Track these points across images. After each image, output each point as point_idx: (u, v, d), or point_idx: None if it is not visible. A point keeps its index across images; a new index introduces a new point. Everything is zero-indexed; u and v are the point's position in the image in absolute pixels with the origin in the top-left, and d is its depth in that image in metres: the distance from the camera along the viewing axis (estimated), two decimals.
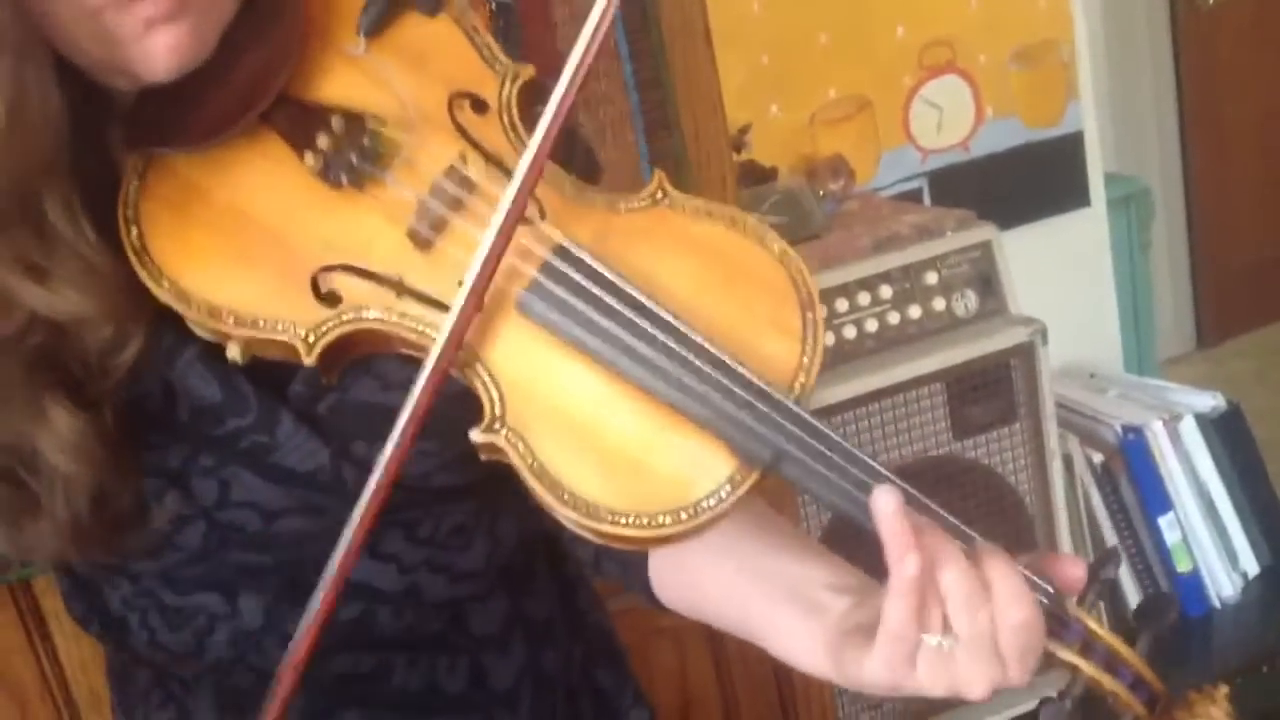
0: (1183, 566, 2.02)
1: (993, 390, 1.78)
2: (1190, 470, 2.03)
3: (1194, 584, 2.03)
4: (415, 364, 0.63)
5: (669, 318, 0.63)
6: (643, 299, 0.63)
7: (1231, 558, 2.06)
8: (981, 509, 1.80)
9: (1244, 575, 2.06)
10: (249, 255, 0.66)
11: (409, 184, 0.66)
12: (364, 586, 0.78)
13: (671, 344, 0.62)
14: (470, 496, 0.81)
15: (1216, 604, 2.03)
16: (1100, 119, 2.38)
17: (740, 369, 0.62)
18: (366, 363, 0.67)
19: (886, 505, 0.59)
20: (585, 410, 0.62)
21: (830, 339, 1.73)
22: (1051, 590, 0.63)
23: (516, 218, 0.63)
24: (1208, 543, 2.03)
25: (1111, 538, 2.02)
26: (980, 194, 2.15)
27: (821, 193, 1.94)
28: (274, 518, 0.73)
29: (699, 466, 0.61)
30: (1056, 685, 0.65)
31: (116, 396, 0.68)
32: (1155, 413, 2.03)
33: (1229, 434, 2.06)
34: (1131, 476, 2.01)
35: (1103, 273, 2.40)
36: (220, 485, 0.72)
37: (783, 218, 1.84)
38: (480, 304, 0.63)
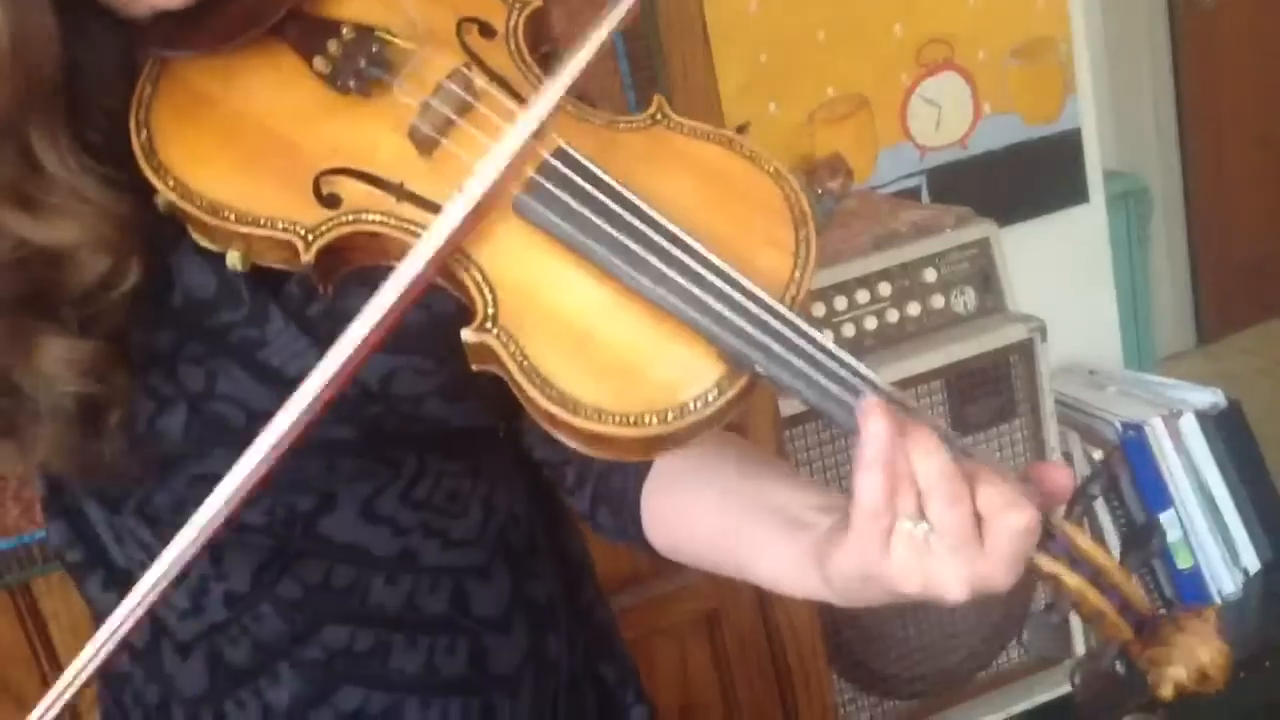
0: (1183, 563, 2.02)
1: (992, 388, 1.78)
2: (1190, 467, 2.03)
3: (1194, 580, 2.03)
4: None
5: (663, 220, 0.64)
6: (638, 202, 0.64)
7: (1232, 554, 2.06)
8: None
9: (1244, 571, 2.06)
10: (253, 157, 0.68)
11: (415, 91, 0.67)
12: (356, 549, 0.79)
13: (665, 245, 0.63)
14: (465, 456, 0.82)
15: (1217, 600, 2.03)
16: (1099, 115, 2.37)
17: (731, 272, 0.62)
18: (361, 273, 0.67)
19: (871, 404, 0.59)
20: (577, 312, 0.63)
21: (830, 337, 1.73)
22: (1038, 498, 0.62)
23: (531, 132, 0.64)
24: (1208, 539, 2.03)
25: (1112, 535, 2.02)
26: (979, 191, 2.15)
27: (820, 191, 1.93)
28: (256, 417, 0.72)
29: (688, 369, 0.62)
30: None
31: (106, 321, 0.69)
32: (1155, 409, 2.04)
33: (1229, 430, 2.06)
34: (1131, 473, 2.01)
35: (1102, 269, 2.39)
36: (207, 375, 0.73)
37: None
38: (477, 210, 0.63)
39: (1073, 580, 0.62)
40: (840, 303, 1.74)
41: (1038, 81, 2.25)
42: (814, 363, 0.62)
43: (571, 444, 0.64)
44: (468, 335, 0.63)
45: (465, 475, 0.82)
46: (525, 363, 0.62)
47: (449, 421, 0.79)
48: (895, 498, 0.60)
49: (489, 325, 0.63)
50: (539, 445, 0.85)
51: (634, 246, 0.63)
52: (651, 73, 1.43)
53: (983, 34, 2.19)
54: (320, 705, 0.81)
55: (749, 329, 0.62)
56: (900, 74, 2.16)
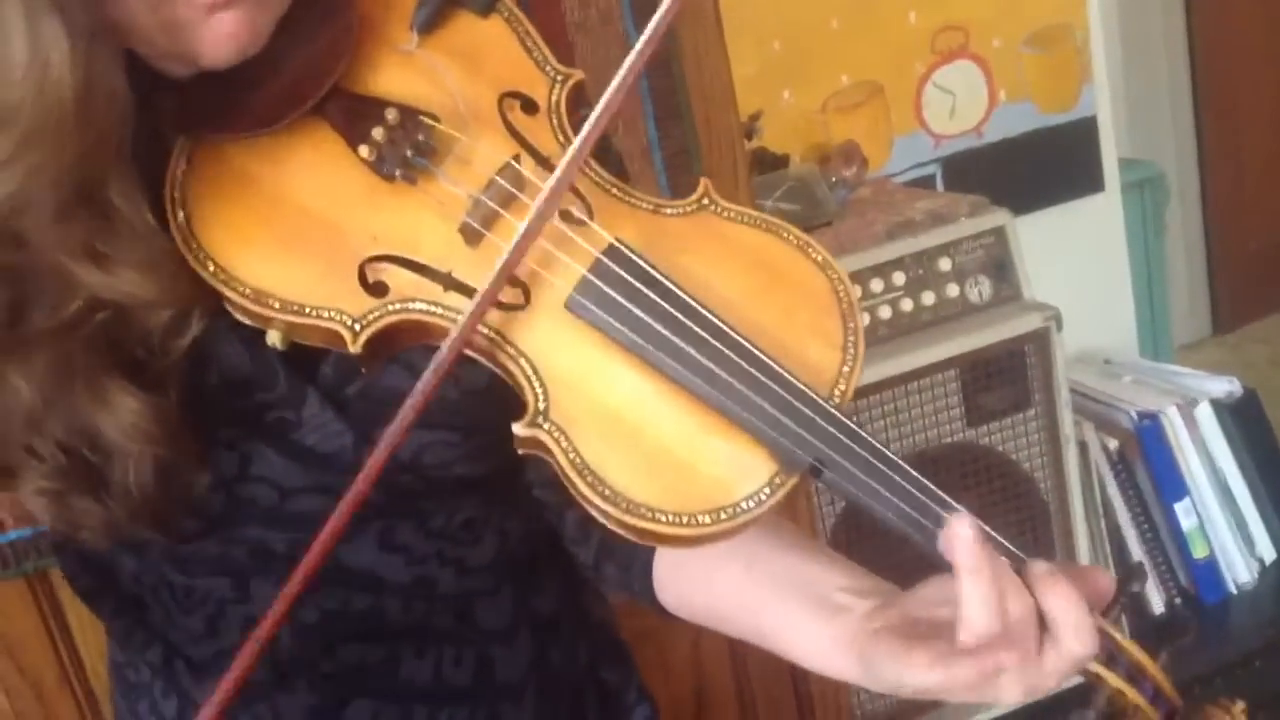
0: (1199, 553, 2.01)
1: (1007, 377, 1.77)
2: (1206, 456, 2.02)
3: (1210, 570, 2.02)
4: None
5: (715, 319, 0.63)
6: (690, 300, 0.63)
7: (1248, 543, 2.05)
8: (996, 496, 1.80)
9: (1260, 561, 2.06)
10: (297, 242, 0.66)
11: (461, 180, 0.66)
12: (373, 578, 0.79)
13: (717, 345, 0.62)
14: (482, 490, 0.82)
15: (1233, 590, 2.03)
16: (1114, 103, 2.36)
17: (783, 372, 0.62)
18: (397, 352, 0.67)
19: (965, 533, 0.59)
20: (629, 409, 0.63)
21: (865, 320, 1.72)
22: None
23: (555, 203, 0.63)
24: (1224, 529, 2.02)
25: (1127, 524, 2.02)
26: (994, 179, 2.14)
27: (834, 179, 1.93)
28: (290, 496, 0.74)
29: (740, 468, 0.62)
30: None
31: (177, 376, 0.68)
32: (1170, 398, 2.03)
33: (1245, 419, 2.05)
34: (1147, 463, 2.00)
35: (1117, 258, 2.38)
36: (241, 459, 0.73)
37: (795, 205, 1.84)
38: (517, 289, 0.64)
39: (1114, 680, 0.65)
40: (854, 292, 1.73)
41: (1053, 69, 2.23)
42: (867, 467, 0.61)
43: (619, 534, 0.63)
44: (519, 430, 0.62)
45: (481, 507, 0.82)
46: (577, 459, 0.62)
47: (473, 476, 0.79)
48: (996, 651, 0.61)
49: (540, 420, 0.62)
50: (540, 487, 0.85)
51: (683, 345, 0.62)
52: (665, 61, 1.43)
53: (998, 21, 2.18)
54: (332, 717, 0.81)
55: (798, 429, 0.61)
56: (915, 62, 2.15)
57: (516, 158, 0.67)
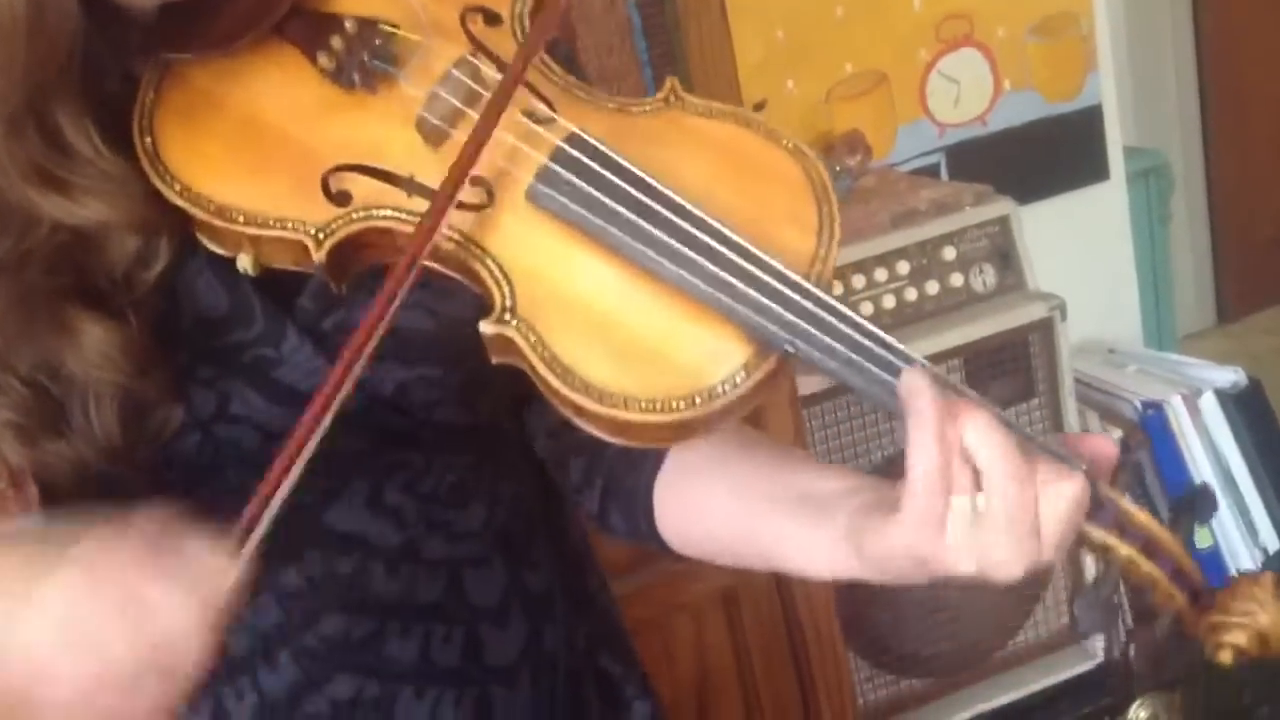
0: (1202, 542, 2.01)
1: (1011, 366, 1.77)
2: (1210, 446, 2.02)
3: (1214, 560, 2.02)
4: (425, 283, 0.64)
5: (681, 201, 0.62)
6: (655, 183, 0.63)
7: (1252, 533, 2.05)
8: None
9: (1264, 550, 2.06)
10: (260, 157, 0.67)
11: (421, 82, 0.66)
12: (359, 540, 0.78)
13: (685, 226, 0.62)
14: (470, 449, 0.81)
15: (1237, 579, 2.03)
16: (1120, 92, 2.35)
17: (756, 251, 0.61)
18: (374, 284, 0.67)
19: (916, 380, 0.58)
20: (597, 298, 0.62)
21: (869, 309, 1.72)
22: (1084, 467, 0.61)
23: (511, 92, 0.63)
24: (1228, 518, 2.02)
25: None
26: (998, 168, 2.13)
27: (838, 168, 1.92)
28: (271, 438, 0.73)
29: (714, 352, 0.61)
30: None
31: (145, 308, 0.68)
32: (1175, 388, 2.02)
33: (1249, 409, 2.05)
34: (1151, 452, 2.00)
35: (1122, 247, 2.38)
36: (219, 398, 0.73)
37: None
38: (480, 187, 0.63)
39: (1124, 549, 0.62)
40: (858, 281, 1.73)
41: (1058, 58, 2.23)
42: (846, 340, 0.61)
43: (597, 433, 0.62)
44: (486, 327, 0.62)
45: (470, 468, 0.82)
46: (546, 352, 0.61)
47: (457, 422, 0.79)
48: (950, 474, 0.58)
49: (507, 316, 0.62)
50: (543, 440, 0.85)
51: (651, 229, 0.62)
52: (669, 49, 1.42)
53: (1002, 10, 2.17)
54: (315, 693, 0.80)
55: (775, 307, 0.60)
56: (919, 50, 2.15)
57: (473, 54, 0.67)
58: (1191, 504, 0.67)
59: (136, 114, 0.67)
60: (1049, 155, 2.24)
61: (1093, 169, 2.29)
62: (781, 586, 1.58)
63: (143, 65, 0.69)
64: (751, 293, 0.61)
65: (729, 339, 0.61)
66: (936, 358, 1.73)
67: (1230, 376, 2.06)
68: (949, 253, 1.77)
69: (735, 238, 0.62)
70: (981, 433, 0.59)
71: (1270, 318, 3.35)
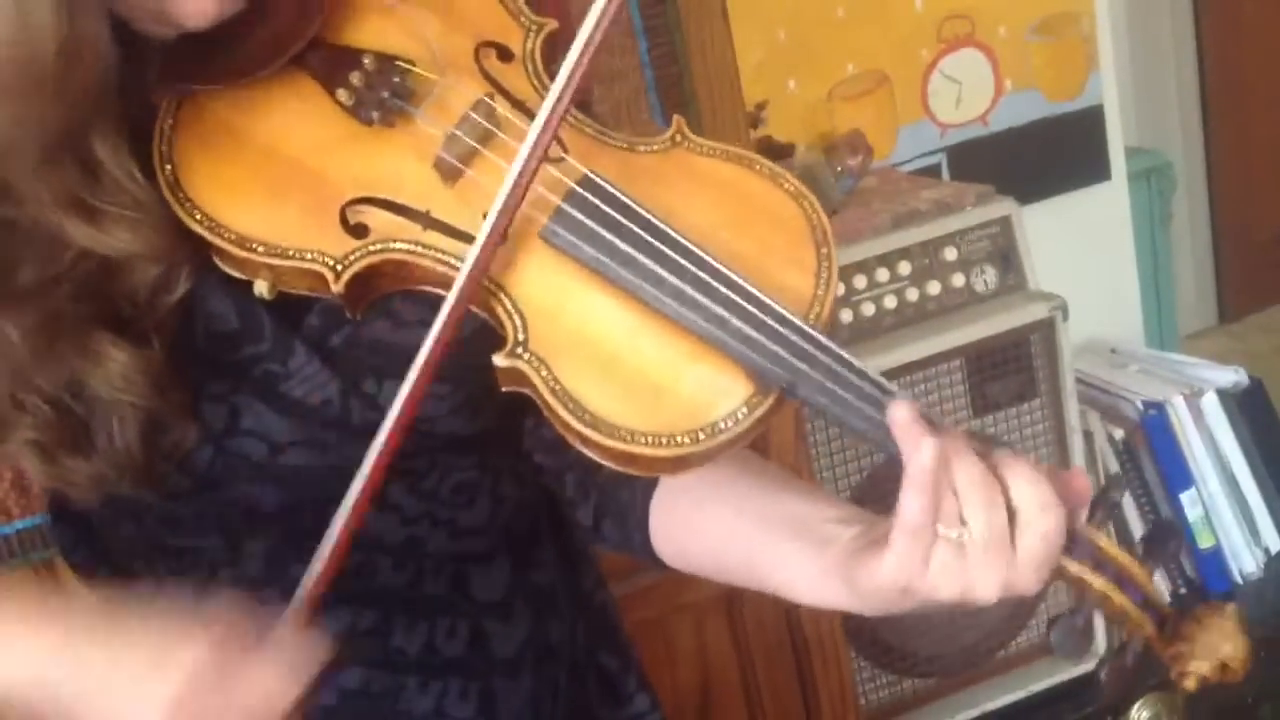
0: (1204, 543, 2.01)
1: (1013, 366, 1.77)
2: (1212, 446, 2.02)
3: (1216, 560, 2.02)
4: (432, 300, 0.65)
5: (688, 244, 0.64)
6: (663, 226, 0.65)
7: (1254, 533, 2.05)
8: None
9: (1266, 551, 2.05)
10: (279, 188, 0.68)
11: (439, 120, 0.68)
12: (365, 535, 0.79)
13: (691, 268, 0.64)
14: (475, 451, 0.82)
15: (1239, 580, 2.03)
16: (1121, 92, 2.35)
17: (758, 293, 0.63)
18: (382, 302, 0.69)
19: (902, 412, 0.61)
20: (606, 335, 0.64)
21: (849, 315, 1.72)
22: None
23: (544, 149, 0.65)
24: (1229, 519, 2.02)
25: (1133, 514, 2.01)
26: (1000, 169, 2.13)
27: (839, 169, 1.92)
28: (280, 450, 0.75)
29: (717, 389, 0.63)
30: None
31: (165, 330, 0.70)
32: (1176, 388, 2.02)
33: (1251, 409, 2.05)
34: (1152, 452, 1.99)
35: (1124, 247, 2.38)
36: (229, 412, 0.74)
37: None
38: (505, 234, 0.65)
39: (1097, 582, 0.64)
40: (860, 281, 1.73)
41: (1059, 58, 2.23)
42: (840, 380, 0.63)
43: (602, 462, 0.64)
44: (499, 360, 0.64)
45: (474, 469, 0.83)
46: (557, 386, 0.63)
47: (461, 433, 0.80)
48: (939, 510, 0.61)
49: (520, 351, 0.64)
50: (540, 452, 0.85)
51: (659, 270, 0.64)
52: (670, 49, 1.42)
53: (1004, 10, 2.17)
54: (323, 685, 0.81)
55: (774, 348, 0.62)
56: (920, 50, 2.14)
57: (490, 95, 0.69)
58: (1163, 538, 0.70)
59: (156, 142, 0.68)
60: (1050, 155, 2.24)
61: (1094, 169, 2.29)
62: None
63: (162, 94, 0.69)
64: (752, 333, 0.63)
65: (731, 377, 0.63)
66: (938, 358, 1.73)
67: (1232, 376, 2.06)
68: (950, 253, 1.77)
69: (739, 280, 0.64)
70: (959, 462, 0.61)
71: (1271, 317, 3.35)
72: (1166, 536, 0.69)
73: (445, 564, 0.83)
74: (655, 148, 0.69)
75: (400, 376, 0.65)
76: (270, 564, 0.79)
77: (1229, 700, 1.90)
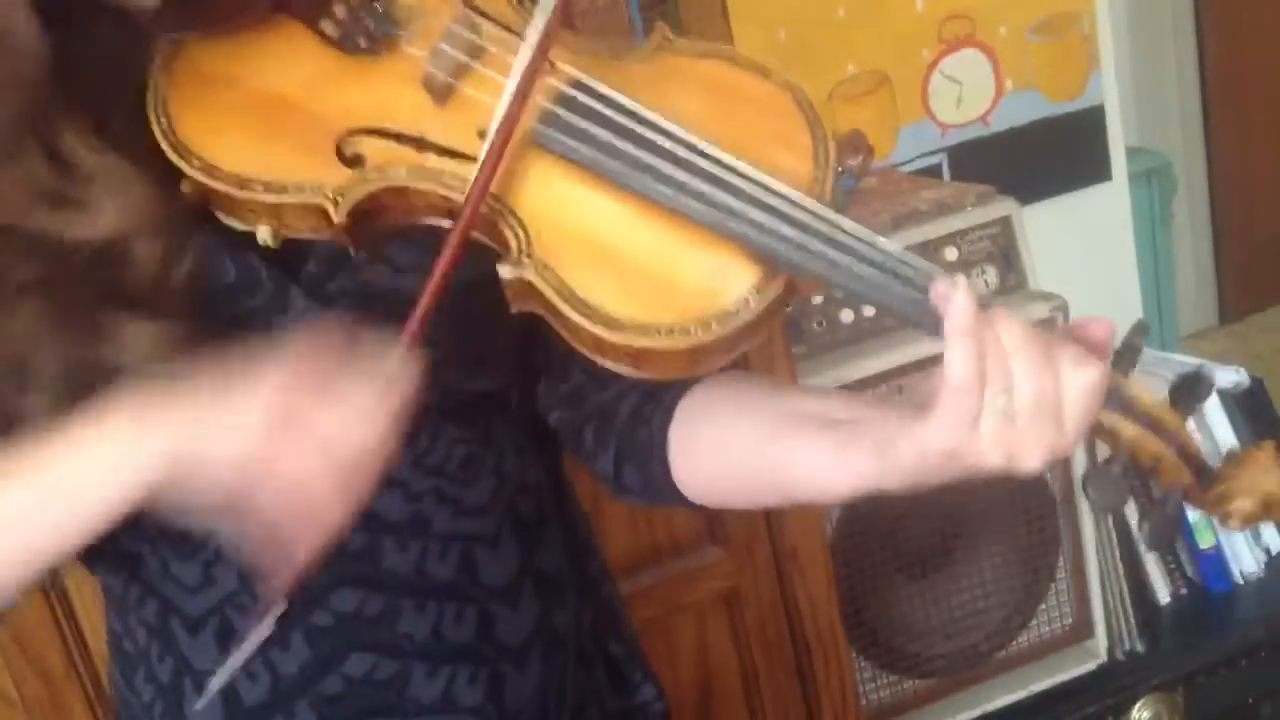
0: (1205, 543, 2.01)
1: None
2: (1213, 446, 2.01)
3: (1217, 560, 2.02)
4: (428, 245, 0.65)
5: (679, 132, 0.65)
6: (654, 118, 0.65)
7: (1254, 533, 2.04)
8: (1001, 486, 1.80)
9: (1266, 551, 2.05)
10: (273, 128, 0.68)
11: (424, 42, 0.68)
12: (369, 514, 0.79)
13: (687, 156, 0.64)
14: (477, 422, 0.82)
15: (1240, 580, 2.02)
16: (1122, 92, 2.35)
17: (754, 173, 0.63)
18: (379, 247, 0.69)
19: (949, 288, 0.62)
20: (609, 234, 0.64)
21: (849, 316, 1.72)
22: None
23: (544, 55, 0.65)
24: None
25: (1134, 515, 2.01)
26: (1000, 169, 2.13)
27: (840, 169, 1.92)
28: None
29: (724, 276, 0.63)
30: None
31: (188, 301, 0.70)
32: None
33: (1252, 409, 2.05)
34: None
35: (1124, 247, 2.38)
36: None
37: None
38: (504, 147, 0.64)
39: (1130, 430, 0.64)
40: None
41: (1060, 58, 2.22)
42: (851, 251, 0.63)
43: (619, 367, 0.64)
44: (505, 272, 0.64)
45: (477, 442, 0.83)
46: (565, 290, 0.63)
47: (463, 386, 0.80)
48: (985, 372, 0.61)
49: (524, 259, 0.64)
50: (558, 411, 0.86)
51: (653, 160, 0.64)
52: None
53: (1004, 10, 2.17)
54: (329, 672, 0.81)
55: (779, 226, 0.62)
56: (921, 50, 2.14)
57: (470, 7, 0.69)
58: (1190, 387, 0.68)
59: (150, 98, 0.69)
60: (1051, 156, 2.24)
61: (1095, 169, 2.28)
62: (784, 587, 1.58)
63: (151, 48, 0.70)
64: (755, 213, 0.63)
65: (737, 262, 0.63)
66: (939, 359, 1.72)
67: (1232, 376, 2.05)
68: (951, 253, 1.77)
69: (735, 162, 0.64)
70: (1013, 331, 0.61)
71: (1272, 317, 3.35)
72: (1194, 384, 0.66)
73: (451, 546, 0.83)
74: (640, 55, 0.70)
75: (401, 319, 0.65)
76: None
77: (1229, 700, 1.90)
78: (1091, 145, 2.27)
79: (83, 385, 0.69)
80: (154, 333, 0.68)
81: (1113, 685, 1.86)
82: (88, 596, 1.27)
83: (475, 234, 0.66)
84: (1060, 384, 0.61)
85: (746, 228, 0.62)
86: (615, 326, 0.62)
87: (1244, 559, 2.03)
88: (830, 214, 0.63)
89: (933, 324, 0.63)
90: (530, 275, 0.63)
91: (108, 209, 0.67)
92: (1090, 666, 1.88)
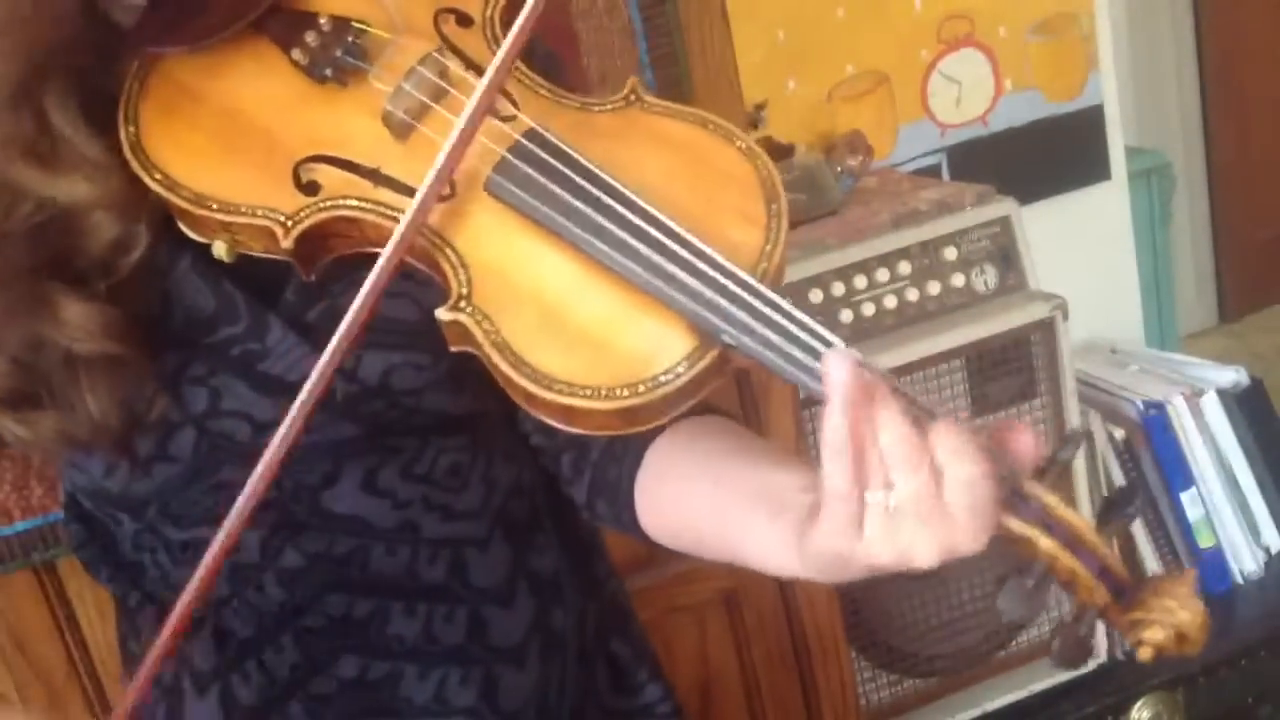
0: (1205, 542, 2.01)
1: (1013, 366, 1.77)
2: (1212, 446, 2.01)
3: (1216, 560, 2.02)
4: (403, 270, 0.66)
5: (631, 196, 0.64)
6: (606, 178, 0.65)
7: (1254, 533, 2.05)
8: None
9: (1266, 550, 2.05)
10: (235, 148, 0.69)
11: (391, 79, 0.69)
12: (356, 521, 0.79)
13: (632, 218, 0.64)
14: (464, 431, 0.83)
15: (1239, 579, 2.02)
16: (1121, 91, 2.35)
17: (699, 244, 0.63)
18: (355, 274, 0.68)
19: (838, 367, 0.58)
20: (549, 288, 0.64)
21: (849, 316, 1.72)
22: (1006, 461, 0.61)
23: (488, 103, 0.65)
24: (1230, 518, 2.02)
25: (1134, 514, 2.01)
26: (1000, 168, 2.13)
27: (839, 169, 1.92)
28: (263, 429, 0.75)
29: (659, 342, 0.63)
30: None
31: (126, 293, 0.71)
32: (1177, 388, 2.02)
33: (1251, 409, 2.05)
34: (1153, 452, 1.99)
35: (1124, 247, 2.38)
36: (210, 394, 0.75)
37: (800, 195, 1.83)
38: (450, 185, 0.65)
39: (1045, 544, 0.61)
40: (860, 281, 1.73)
41: (1059, 57, 2.23)
42: (784, 333, 0.61)
43: (549, 420, 0.64)
44: (442, 314, 0.64)
45: (465, 450, 0.83)
46: (498, 339, 0.63)
47: (449, 410, 0.80)
48: (861, 475, 0.59)
49: (462, 304, 0.64)
50: (535, 433, 0.86)
51: (600, 220, 0.64)
52: (670, 50, 1.42)
53: (1003, 10, 2.17)
54: (321, 674, 0.82)
55: (716, 299, 0.62)
56: (920, 50, 2.14)
57: (439, 50, 0.69)
58: (1120, 501, 0.65)
59: (122, 105, 0.70)
60: (1050, 155, 2.24)
61: (1094, 169, 2.29)
62: (784, 587, 1.58)
63: (129, 60, 0.71)
64: (693, 284, 0.62)
65: (673, 330, 0.63)
66: (938, 358, 1.73)
67: (1232, 376, 2.06)
68: (950, 253, 1.77)
69: (680, 231, 0.63)
70: (884, 425, 0.58)
71: (1271, 317, 3.36)
72: (1124, 501, 0.65)
73: (441, 549, 0.83)
74: (609, 107, 0.70)
75: (381, 347, 0.66)
76: (265, 549, 0.80)
77: (1229, 700, 1.90)
78: (1091, 145, 2.27)
79: (28, 368, 0.70)
80: (91, 314, 0.69)
81: (1113, 685, 1.85)
82: (88, 600, 1.27)
83: (412, 260, 0.67)
84: (940, 479, 0.58)
85: (684, 297, 0.62)
86: (544, 384, 0.62)
87: (1244, 559, 2.03)
88: (771, 294, 0.62)
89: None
90: (466, 320, 0.63)
91: (79, 177, 0.68)
92: (1090, 666, 1.88)
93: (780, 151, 2.06)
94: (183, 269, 0.73)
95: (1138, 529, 2.01)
